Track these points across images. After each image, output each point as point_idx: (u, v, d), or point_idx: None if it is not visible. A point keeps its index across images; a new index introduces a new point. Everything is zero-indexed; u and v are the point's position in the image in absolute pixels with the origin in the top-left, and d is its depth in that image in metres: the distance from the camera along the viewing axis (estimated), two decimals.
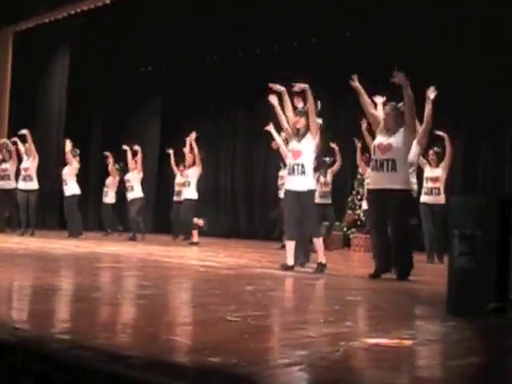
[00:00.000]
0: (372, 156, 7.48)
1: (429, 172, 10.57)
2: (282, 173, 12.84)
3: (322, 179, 12.26)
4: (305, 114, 7.76)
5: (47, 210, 18.03)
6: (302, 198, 7.61)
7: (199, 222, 13.61)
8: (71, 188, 14.28)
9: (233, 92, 18.56)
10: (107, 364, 2.58)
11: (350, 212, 12.95)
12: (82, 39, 18.18)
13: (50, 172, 16.81)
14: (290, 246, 7.78)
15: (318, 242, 7.73)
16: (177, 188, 15.21)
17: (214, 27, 16.34)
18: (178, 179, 15.21)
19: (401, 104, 7.36)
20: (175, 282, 6.33)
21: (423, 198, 10.46)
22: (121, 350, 2.82)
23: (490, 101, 13.39)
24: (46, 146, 17.64)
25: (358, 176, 11.33)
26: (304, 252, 8.35)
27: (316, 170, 7.95)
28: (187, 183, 13.58)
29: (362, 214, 12.39)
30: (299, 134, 7.76)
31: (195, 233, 13.47)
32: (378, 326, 3.90)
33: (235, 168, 19.44)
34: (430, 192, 10.41)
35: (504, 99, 12.48)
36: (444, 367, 2.91)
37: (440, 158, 10.54)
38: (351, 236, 12.84)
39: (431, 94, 8.10)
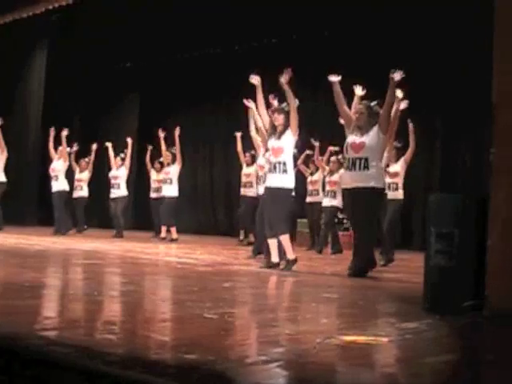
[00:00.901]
0: (344, 154, 7.51)
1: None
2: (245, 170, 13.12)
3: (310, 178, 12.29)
4: (283, 111, 7.75)
5: (26, 206, 17.91)
6: (280, 195, 7.61)
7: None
8: (62, 184, 14.25)
9: (211, 89, 18.52)
10: (85, 361, 2.59)
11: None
12: (60, 34, 18.09)
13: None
14: (273, 243, 7.76)
15: (285, 239, 7.68)
16: (155, 185, 15.16)
17: (192, 23, 16.32)
18: (155, 176, 15.14)
19: (374, 103, 7.38)
20: (152, 279, 6.33)
21: None
22: (98, 346, 2.82)
23: (469, 100, 13.50)
24: (26, 141, 17.61)
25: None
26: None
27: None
28: (168, 180, 13.59)
29: (339, 212, 12.39)
30: (277, 132, 7.75)
31: (174, 229, 13.51)
32: (355, 323, 3.93)
33: (214, 165, 19.41)
34: (388, 187, 10.48)
35: (482, 98, 12.55)
36: (420, 364, 2.94)
37: (400, 153, 10.62)
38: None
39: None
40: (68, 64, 18.58)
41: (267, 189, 7.78)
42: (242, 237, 13.67)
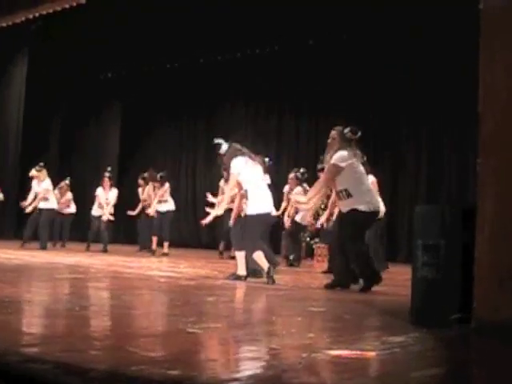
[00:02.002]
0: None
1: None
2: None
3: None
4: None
5: (3, 220, 17.83)
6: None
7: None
8: (51, 202, 14.25)
9: (194, 99, 18.55)
10: (65, 377, 2.56)
11: (312, 221, 12.97)
12: (40, 44, 18.05)
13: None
14: (241, 256, 7.98)
15: (239, 255, 8.02)
16: (143, 203, 15.12)
17: (174, 33, 16.35)
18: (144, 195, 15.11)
19: (347, 129, 7.39)
20: (135, 293, 6.29)
21: None
22: (79, 362, 2.80)
23: (455, 110, 13.62)
24: (4, 154, 17.52)
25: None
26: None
27: None
28: (163, 200, 13.77)
29: (325, 225, 12.41)
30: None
31: (167, 244, 13.72)
32: (341, 337, 3.92)
33: (196, 176, 19.41)
34: None
35: (468, 110, 12.64)
36: (407, 378, 2.93)
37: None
38: (314, 246, 12.85)
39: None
40: (49, 74, 18.51)
41: None
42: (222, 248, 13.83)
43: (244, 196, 8.16)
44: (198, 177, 19.29)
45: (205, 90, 18.08)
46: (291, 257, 11.95)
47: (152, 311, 5.10)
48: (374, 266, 7.30)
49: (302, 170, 12.16)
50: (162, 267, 10.07)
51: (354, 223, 7.16)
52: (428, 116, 14.45)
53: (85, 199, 16.06)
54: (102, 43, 17.53)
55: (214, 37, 16.33)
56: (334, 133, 7.44)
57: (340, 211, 7.54)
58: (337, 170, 7.21)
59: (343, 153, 7.24)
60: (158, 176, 14.00)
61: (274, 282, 7.53)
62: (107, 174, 14.53)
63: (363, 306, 5.79)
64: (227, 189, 8.38)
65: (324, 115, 15.97)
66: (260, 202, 7.91)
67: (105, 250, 13.92)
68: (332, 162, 7.24)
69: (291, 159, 16.69)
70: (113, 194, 14.56)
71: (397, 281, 8.96)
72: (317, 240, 12.92)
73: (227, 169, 8.10)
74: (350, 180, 7.21)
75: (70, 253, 12.91)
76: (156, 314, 4.86)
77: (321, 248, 12.66)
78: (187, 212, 19.16)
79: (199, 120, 19.17)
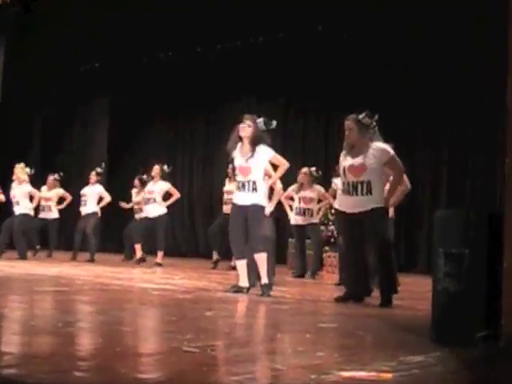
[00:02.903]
0: (341, 179, 7.49)
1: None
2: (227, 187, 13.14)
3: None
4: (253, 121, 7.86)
5: None
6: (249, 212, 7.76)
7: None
8: (25, 206, 14.27)
9: (191, 93, 18.53)
10: None
11: (322, 228, 12.95)
12: (19, 30, 18.02)
13: None
14: (242, 265, 7.86)
15: (261, 258, 7.75)
16: (137, 206, 15.12)
17: (168, 20, 16.35)
18: (136, 197, 15.10)
19: (363, 115, 7.35)
20: (125, 308, 6.29)
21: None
22: None
23: (478, 108, 13.65)
24: None
25: (333, 185, 11.35)
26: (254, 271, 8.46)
27: None
28: (152, 200, 13.65)
29: (335, 231, 12.38)
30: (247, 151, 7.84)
31: (161, 253, 13.65)
32: (354, 356, 3.91)
33: (193, 177, 19.40)
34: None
35: (494, 106, 12.74)
36: None
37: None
38: (324, 255, 12.84)
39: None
40: (30, 65, 18.51)
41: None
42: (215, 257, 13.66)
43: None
44: (196, 179, 19.27)
45: (203, 82, 18.04)
46: (308, 273, 11.78)
47: (144, 328, 5.10)
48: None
49: (313, 168, 12.09)
50: (155, 279, 10.06)
51: (386, 223, 7.25)
52: (450, 114, 14.48)
53: (72, 205, 16.01)
54: (89, 30, 17.48)
55: (212, 23, 16.34)
56: (349, 123, 7.35)
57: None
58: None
59: (382, 143, 7.31)
60: (165, 168, 13.93)
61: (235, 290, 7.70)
62: (98, 170, 14.54)
63: (378, 322, 5.78)
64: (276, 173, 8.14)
65: (326, 115, 16.52)
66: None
67: (91, 260, 13.90)
68: (391, 153, 7.27)
69: (298, 158, 16.70)
70: (97, 189, 14.56)
71: (415, 293, 8.95)
72: (326, 248, 12.90)
73: (256, 143, 7.88)
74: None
75: (53, 263, 12.91)
76: (148, 331, 4.85)
77: (331, 257, 12.68)
78: (183, 217, 19.15)
79: (197, 116, 19.15)
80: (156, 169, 13.77)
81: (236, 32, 16.92)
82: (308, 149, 16.88)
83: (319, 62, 16.12)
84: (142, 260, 13.47)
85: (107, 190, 14.95)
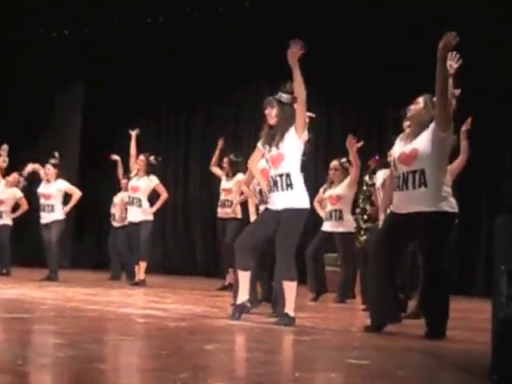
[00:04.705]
0: (393, 173, 7.49)
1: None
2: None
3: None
4: (280, 103, 7.82)
5: None
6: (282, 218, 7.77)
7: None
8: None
9: (185, 75, 18.71)
10: None
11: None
12: None
13: None
14: (245, 277, 7.87)
15: (289, 286, 7.78)
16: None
17: None
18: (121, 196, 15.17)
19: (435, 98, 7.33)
20: (102, 340, 6.28)
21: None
22: None
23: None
24: None
25: (364, 187, 11.32)
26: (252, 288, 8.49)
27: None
28: (136, 200, 13.66)
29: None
30: (276, 135, 7.84)
31: (143, 266, 13.66)
32: None
33: (188, 182, 19.50)
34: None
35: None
36: None
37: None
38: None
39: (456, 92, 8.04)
40: None
41: (265, 209, 7.94)
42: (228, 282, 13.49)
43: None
44: (192, 181, 19.36)
45: (201, 60, 18.28)
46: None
47: (126, 365, 5.09)
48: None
49: (344, 159, 12.07)
50: (141, 302, 10.08)
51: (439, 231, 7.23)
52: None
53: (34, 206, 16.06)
54: None
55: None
56: (419, 100, 7.39)
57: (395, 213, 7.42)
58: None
59: None
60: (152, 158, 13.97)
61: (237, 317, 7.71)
62: (52, 161, 14.43)
63: (423, 358, 5.77)
64: None
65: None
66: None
67: (52, 277, 13.82)
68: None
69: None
70: (59, 185, 14.51)
71: (471, 321, 8.95)
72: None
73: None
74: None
75: (10, 283, 12.91)
76: (131, 369, 4.84)
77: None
78: (176, 227, 19.21)
79: (194, 109, 19.35)
80: (141, 160, 13.72)
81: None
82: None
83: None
84: (138, 284, 13.44)
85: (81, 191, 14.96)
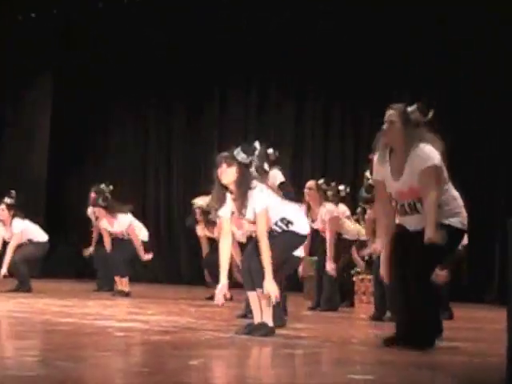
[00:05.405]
0: (383, 200, 7.54)
1: None
2: None
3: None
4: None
5: None
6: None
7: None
8: None
9: (173, 66, 18.86)
10: None
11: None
12: None
13: None
14: (253, 298, 7.84)
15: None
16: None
17: None
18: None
19: (413, 107, 7.30)
20: (78, 356, 6.25)
21: None
22: None
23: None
24: None
25: (365, 181, 11.33)
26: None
27: None
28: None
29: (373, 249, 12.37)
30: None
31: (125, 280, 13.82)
32: None
33: (171, 183, 19.53)
34: None
35: None
36: None
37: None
38: (355, 279, 12.84)
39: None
40: None
41: None
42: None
43: None
44: (176, 183, 19.40)
45: (201, 60, 18.48)
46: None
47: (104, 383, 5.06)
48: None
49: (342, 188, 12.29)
50: (120, 314, 10.06)
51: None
52: None
53: None
54: None
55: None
56: (392, 113, 7.29)
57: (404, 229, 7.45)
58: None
59: (430, 147, 7.19)
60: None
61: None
62: (8, 201, 14.36)
63: (431, 373, 5.75)
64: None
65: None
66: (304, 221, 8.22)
67: (23, 287, 13.81)
68: (432, 162, 7.14)
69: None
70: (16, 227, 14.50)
71: (484, 332, 8.95)
72: (358, 270, 12.88)
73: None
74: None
75: None
76: None
77: (365, 281, 12.65)
78: (158, 234, 19.24)
79: (181, 103, 19.49)
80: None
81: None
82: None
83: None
84: (121, 293, 13.52)
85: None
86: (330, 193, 12.02)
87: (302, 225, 8.02)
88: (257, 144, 7.88)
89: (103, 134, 20.33)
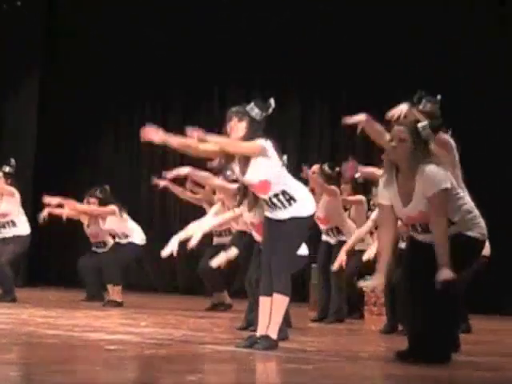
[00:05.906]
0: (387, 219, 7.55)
1: None
2: None
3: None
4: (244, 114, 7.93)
5: None
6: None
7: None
8: None
9: (167, 77, 19.01)
10: None
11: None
12: None
13: None
14: (265, 304, 7.79)
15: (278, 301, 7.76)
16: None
17: None
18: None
19: (424, 123, 7.28)
20: (65, 371, 6.22)
21: None
22: None
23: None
24: None
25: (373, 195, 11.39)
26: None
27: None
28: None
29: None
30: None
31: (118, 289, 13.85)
32: None
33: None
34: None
35: None
36: None
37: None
38: (364, 289, 12.82)
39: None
40: None
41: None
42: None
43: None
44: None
45: (200, 60, 18.65)
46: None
47: None
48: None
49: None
50: (111, 326, 10.05)
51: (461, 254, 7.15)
52: None
53: None
54: None
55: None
56: (402, 129, 7.27)
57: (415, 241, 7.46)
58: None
59: (439, 169, 7.17)
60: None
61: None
62: (6, 169, 14.34)
63: None
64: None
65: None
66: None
67: (8, 297, 13.79)
68: (439, 188, 7.13)
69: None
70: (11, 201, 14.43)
71: (503, 345, 8.93)
72: (368, 278, 12.84)
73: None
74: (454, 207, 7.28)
75: None
76: None
77: (374, 292, 12.63)
78: (153, 239, 19.23)
79: (181, 103, 19.67)
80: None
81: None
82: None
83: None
84: (113, 303, 13.54)
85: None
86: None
87: (306, 204, 7.95)
88: (272, 101, 7.86)
89: (97, 135, 20.38)
